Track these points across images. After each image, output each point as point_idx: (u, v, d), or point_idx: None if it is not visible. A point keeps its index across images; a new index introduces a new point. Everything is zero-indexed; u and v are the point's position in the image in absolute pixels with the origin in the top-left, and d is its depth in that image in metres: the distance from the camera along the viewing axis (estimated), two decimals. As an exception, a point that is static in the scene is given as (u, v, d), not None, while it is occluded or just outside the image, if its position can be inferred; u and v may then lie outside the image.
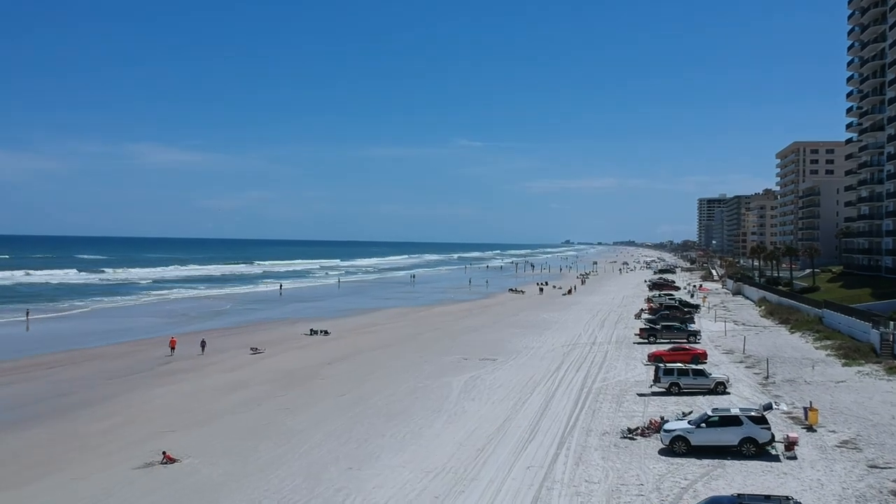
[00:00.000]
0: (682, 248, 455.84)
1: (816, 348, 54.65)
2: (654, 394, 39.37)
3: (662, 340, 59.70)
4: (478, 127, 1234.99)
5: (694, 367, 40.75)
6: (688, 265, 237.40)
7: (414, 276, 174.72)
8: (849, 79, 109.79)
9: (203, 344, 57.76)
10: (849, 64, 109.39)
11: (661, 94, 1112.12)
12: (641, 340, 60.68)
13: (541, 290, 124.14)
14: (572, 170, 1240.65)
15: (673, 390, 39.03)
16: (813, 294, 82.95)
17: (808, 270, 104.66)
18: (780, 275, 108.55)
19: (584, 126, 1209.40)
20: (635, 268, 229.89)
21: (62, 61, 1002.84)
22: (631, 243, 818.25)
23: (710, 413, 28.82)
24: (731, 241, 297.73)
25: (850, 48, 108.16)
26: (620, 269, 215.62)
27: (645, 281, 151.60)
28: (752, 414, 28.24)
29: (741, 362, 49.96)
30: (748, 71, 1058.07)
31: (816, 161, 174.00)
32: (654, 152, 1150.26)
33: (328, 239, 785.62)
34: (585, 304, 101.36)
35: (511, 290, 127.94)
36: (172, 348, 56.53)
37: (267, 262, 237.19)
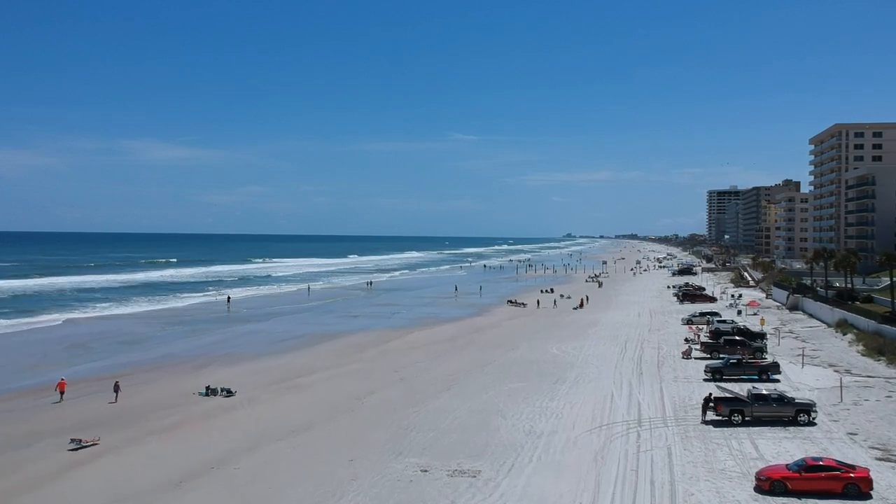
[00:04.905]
0: (689, 243, 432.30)
1: None
2: None
3: (754, 417, 36.61)
4: (471, 121, 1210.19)
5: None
6: (706, 263, 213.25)
7: (371, 283, 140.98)
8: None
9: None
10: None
11: (655, 87, 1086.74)
12: (720, 417, 37.31)
13: (553, 302, 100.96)
14: (568, 163, 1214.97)
15: None
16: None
17: (887, 282, 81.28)
18: (855, 285, 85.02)
19: (577, 119, 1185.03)
20: (649, 268, 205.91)
21: (57, 58, 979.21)
22: (633, 237, 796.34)
23: None
24: (749, 236, 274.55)
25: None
26: (633, 270, 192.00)
27: (668, 287, 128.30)
28: None
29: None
30: (742, 64, 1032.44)
31: (861, 146, 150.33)
32: (647, 145, 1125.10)
33: (327, 234, 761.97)
34: (605, 324, 78.60)
35: (510, 301, 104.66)
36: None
37: (244, 264, 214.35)
